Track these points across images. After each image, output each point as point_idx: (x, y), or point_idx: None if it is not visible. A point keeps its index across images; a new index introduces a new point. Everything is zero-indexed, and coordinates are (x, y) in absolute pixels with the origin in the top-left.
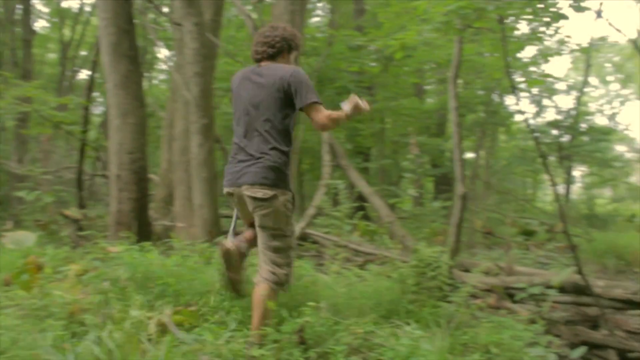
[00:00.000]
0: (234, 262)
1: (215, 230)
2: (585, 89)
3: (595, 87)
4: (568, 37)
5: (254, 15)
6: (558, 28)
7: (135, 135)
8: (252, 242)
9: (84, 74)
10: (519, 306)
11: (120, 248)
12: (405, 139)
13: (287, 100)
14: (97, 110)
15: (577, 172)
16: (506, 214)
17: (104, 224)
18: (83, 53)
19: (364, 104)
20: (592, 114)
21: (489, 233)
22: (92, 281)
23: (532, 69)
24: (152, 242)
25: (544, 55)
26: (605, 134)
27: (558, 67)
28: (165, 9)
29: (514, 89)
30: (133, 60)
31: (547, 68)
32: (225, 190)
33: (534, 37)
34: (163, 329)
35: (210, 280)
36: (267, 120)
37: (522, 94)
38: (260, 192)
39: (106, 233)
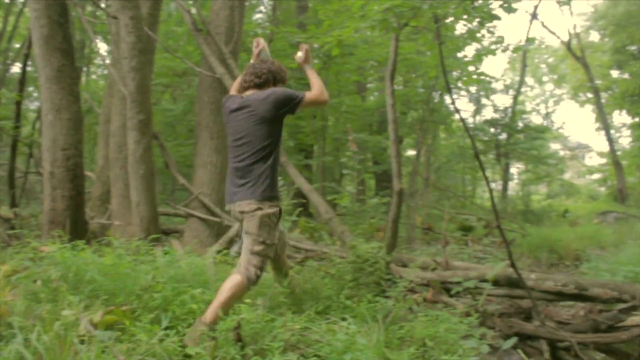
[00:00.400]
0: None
1: (153, 228)
2: (522, 89)
3: (531, 87)
4: (501, 37)
5: (193, 11)
6: (492, 28)
7: (70, 131)
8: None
9: (17, 68)
10: (455, 300)
11: (52, 247)
12: (346, 136)
13: (272, 118)
14: (32, 105)
15: (514, 169)
16: (445, 210)
17: (37, 223)
18: (16, 45)
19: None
20: (528, 112)
21: (428, 229)
22: (21, 282)
23: (471, 68)
24: (87, 241)
25: (478, 55)
26: (541, 132)
27: (495, 67)
28: (102, 2)
29: (448, 88)
30: (67, 53)
31: (484, 68)
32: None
33: (470, 37)
34: (95, 329)
35: (146, 279)
36: (251, 144)
37: (462, 93)
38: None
39: (39, 232)
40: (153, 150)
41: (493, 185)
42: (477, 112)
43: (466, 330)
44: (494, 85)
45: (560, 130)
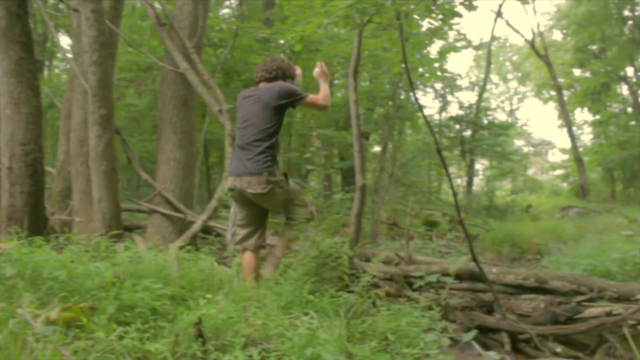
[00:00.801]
0: None
1: (115, 224)
2: (487, 86)
3: (496, 84)
4: (462, 34)
5: (157, 4)
6: (456, 25)
7: (29, 126)
8: None
9: None
10: (418, 294)
11: (10, 244)
12: (312, 132)
13: (276, 109)
14: None
15: (479, 165)
16: (409, 205)
17: None
18: None
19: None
20: (493, 110)
21: (393, 224)
22: None
23: (437, 65)
24: (47, 238)
25: (442, 52)
26: (505, 129)
27: (461, 64)
28: None
29: (411, 84)
30: (26, 46)
31: (450, 65)
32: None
33: (433, 34)
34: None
35: (105, 275)
36: (255, 126)
37: (427, 90)
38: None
39: None
40: (116, 145)
41: (458, 181)
42: (442, 108)
43: (428, 323)
44: (459, 82)
45: (524, 127)
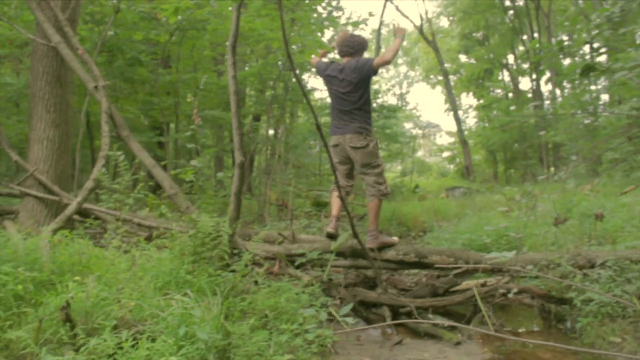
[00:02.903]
0: None
1: None
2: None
3: (387, 68)
4: (337, 16)
5: None
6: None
7: None
8: None
9: None
10: (304, 272)
11: None
12: (201, 113)
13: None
14: None
15: None
16: (294, 185)
17: None
18: None
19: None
20: (384, 92)
21: (283, 205)
22: None
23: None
24: None
25: (319, 27)
26: (393, 112)
27: None
28: None
29: (290, 60)
30: None
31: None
32: None
33: (310, 7)
34: None
35: None
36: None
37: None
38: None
39: None
40: None
41: None
42: None
43: (308, 300)
44: None
45: (413, 111)
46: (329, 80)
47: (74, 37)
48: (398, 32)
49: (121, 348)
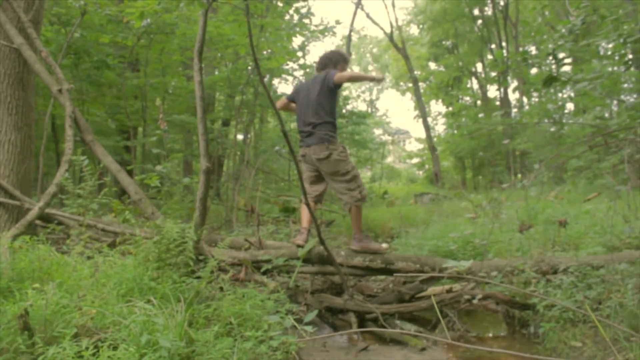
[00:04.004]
0: None
1: None
2: None
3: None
4: (308, 20)
5: None
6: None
7: None
8: None
9: None
10: (271, 279)
11: None
12: (167, 118)
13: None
14: None
15: None
16: (260, 189)
17: None
18: None
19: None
20: (354, 98)
21: (251, 211)
22: None
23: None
24: None
25: (287, 34)
26: (362, 118)
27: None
28: None
29: (257, 65)
30: None
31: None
32: None
33: (279, 15)
34: None
35: None
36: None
37: (288, 78)
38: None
39: None
40: None
41: None
42: None
43: (274, 306)
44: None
45: (384, 117)
46: (297, 97)
47: (37, 39)
48: (377, 75)
49: (81, 357)
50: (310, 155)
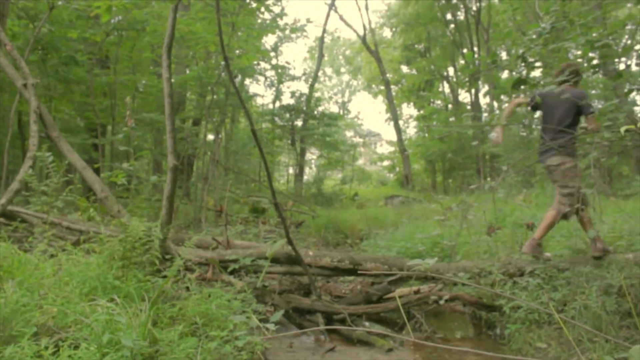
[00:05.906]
0: None
1: None
2: (319, 78)
3: (330, 77)
4: (277, 19)
5: None
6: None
7: None
8: None
9: None
10: (239, 279)
11: None
12: (138, 116)
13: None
14: None
15: (310, 154)
16: (229, 189)
17: None
18: None
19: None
20: (326, 100)
21: (220, 211)
22: None
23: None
24: None
25: (259, 32)
26: (333, 120)
27: (296, 55)
28: None
29: (227, 63)
30: None
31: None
32: None
33: (250, 13)
34: None
35: None
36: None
37: (260, 78)
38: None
39: None
40: None
41: (290, 170)
42: (276, 98)
43: (241, 306)
44: (293, 72)
45: (355, 119)
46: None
47: (1, 32)
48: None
49: (41, 356)
50: None
